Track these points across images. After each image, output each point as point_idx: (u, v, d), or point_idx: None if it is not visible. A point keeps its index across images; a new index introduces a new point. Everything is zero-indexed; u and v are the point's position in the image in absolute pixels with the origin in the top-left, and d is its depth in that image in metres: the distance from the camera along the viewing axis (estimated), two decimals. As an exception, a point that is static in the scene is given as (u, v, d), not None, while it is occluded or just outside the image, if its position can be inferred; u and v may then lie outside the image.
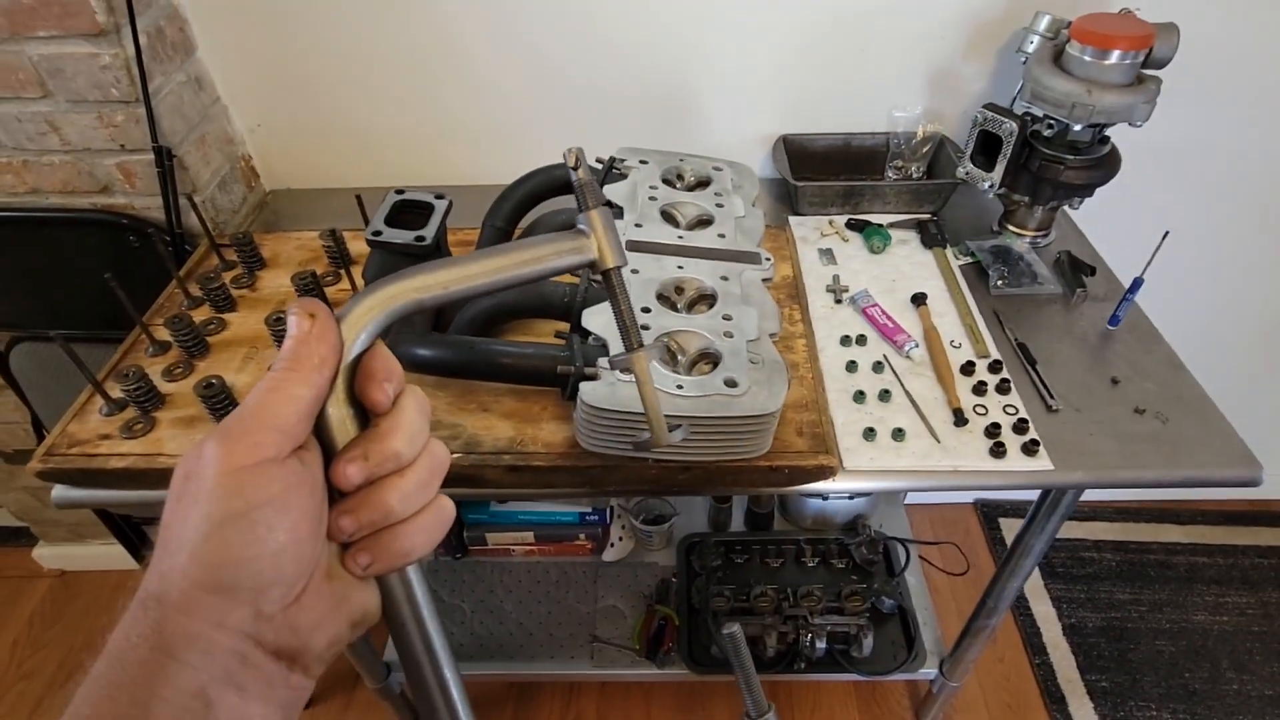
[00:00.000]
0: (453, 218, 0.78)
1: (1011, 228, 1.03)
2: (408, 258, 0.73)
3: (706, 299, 0.73)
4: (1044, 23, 0.94)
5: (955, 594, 1.63)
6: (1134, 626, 1.54)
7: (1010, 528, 1.73)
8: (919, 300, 0.93)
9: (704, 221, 0.83)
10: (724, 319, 0.69)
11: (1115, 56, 0.85)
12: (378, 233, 0.72)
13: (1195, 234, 1.26)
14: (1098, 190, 0.96)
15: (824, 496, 1.44)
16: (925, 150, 1.10)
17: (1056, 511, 0.93)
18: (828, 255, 1.02)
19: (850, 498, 1.44)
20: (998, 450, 0.75)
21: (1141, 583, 1.61)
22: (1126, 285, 0.89)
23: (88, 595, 1.72)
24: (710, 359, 0.67)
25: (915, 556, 1.49)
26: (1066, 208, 1.02)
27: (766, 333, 0.69)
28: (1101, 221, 1.07)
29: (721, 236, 0.80)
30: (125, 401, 0.78)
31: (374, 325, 0.29)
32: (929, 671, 1.28)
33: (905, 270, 0.99)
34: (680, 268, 0.75)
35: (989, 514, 1.76)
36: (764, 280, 0.76)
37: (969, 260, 1.00)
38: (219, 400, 0.75)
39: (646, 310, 0.69)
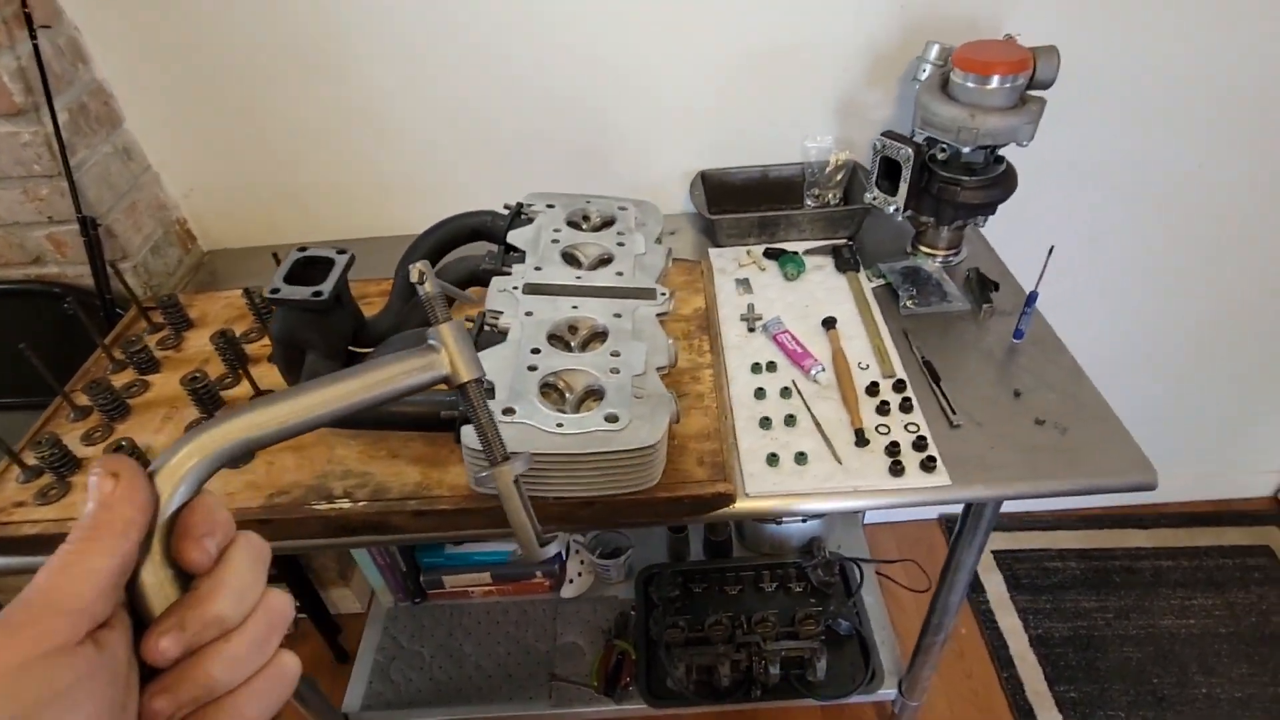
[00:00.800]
0: (380, 268, 0.80)
1: (923, 248, 1.06)
2: (308, 313, 0.75)
3: (599, 337, 0.75)
4: (934, 51, 0.98)
5: (920, 612, 1.62)
6: (1101, 634, 1.53)
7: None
8: (829, 324, 0.95)
9: (605, 261, 0.85)
10: (611, 355, 0.71)
11: (996, 81, 0.88)
12: (275, 290, 0.73)
13: (1106, 243, 1.29)
14: (1004, 207, 0.98)
15: (777, 520, 1.44)
16: (839, 178, 1.13)
17: (980, 525, 0.94)
18: (744, 285, 1.04)
19: (804, 520, 1.45)
20: (896, 469, 0.76)
21: (1107, 590, 1.61)
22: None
23: None
24: (596, 395, 0.68)
25: (873, 576, 1.49)
26: (974, 226, 1.04)
27: (654, 367, 0.70)
28: (1011, 237, 1.10)
29: (619, 274, 0.82)
30: (41, 468, 0.79)
31: (195, 475, 0.27)
32: (889, 692, 1.28)
33: (819, 295, 1.01)
34: (575, 307, 0.77)
35: (953, 529, 1.76)
36: (660, 315, 0.78)
37: (882, 283, 1.02)
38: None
39: (536, 351, 0.71)
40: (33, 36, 0.90)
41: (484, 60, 1.06)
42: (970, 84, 0.90)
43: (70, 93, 0.98)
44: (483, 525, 0.75)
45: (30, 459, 0.80)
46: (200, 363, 0.93)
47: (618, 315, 0.76)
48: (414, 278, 0.36)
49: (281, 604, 0.27)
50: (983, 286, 0.97)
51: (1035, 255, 1.08)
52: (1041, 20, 1.02)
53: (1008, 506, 1.66)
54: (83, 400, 0.87)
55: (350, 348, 0.82)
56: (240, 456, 0.29)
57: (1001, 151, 0.98)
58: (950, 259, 1.05)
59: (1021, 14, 1.02)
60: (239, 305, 1.02)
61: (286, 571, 1.48)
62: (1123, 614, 1.56)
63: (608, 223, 0.92)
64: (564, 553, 1.48)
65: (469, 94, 1.10)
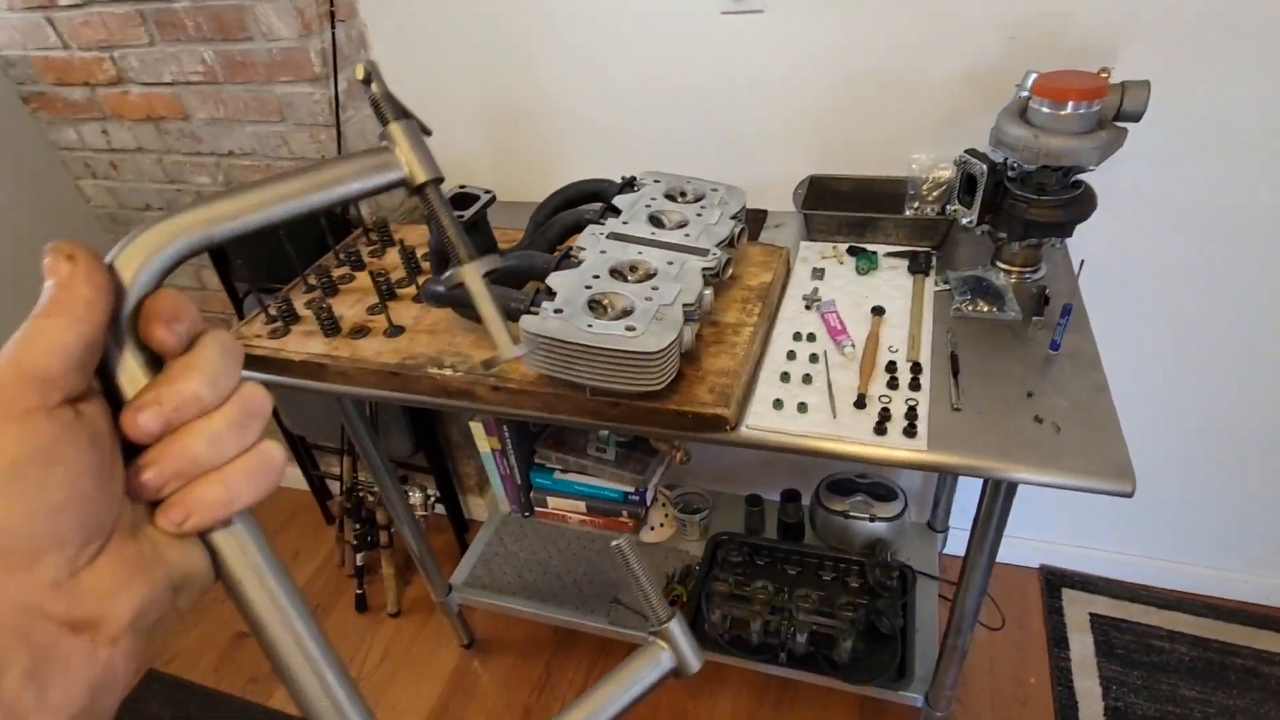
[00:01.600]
0: (521, 222, 1.08)
1: (1000, 264, 1.11)
2: (452, 230, 1.02)
3: (651, 277, 0.94)
4: (1030, 80, 1.04)
5: (993, 650, 1.59)
6: (1194, 727, 1.40)
7: (1074, 600, 1.64)
8: (878, 311, 1.05)
9: (681, 225, 1.04)
10: (651, 288, 0.90)
11: (1070, 107, 0.94)
12: (435, 211, 1.02)
13: (1190, 278, 1.23)
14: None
15: (844, 514, 1.52)
16: (937, 194, 1.21)
17: (991, 521, 0.98)
18: (819, 273, 1.17)
19: (870, 520, 1.50)
20: (880, 429, 0.86)
21: (1217, 684, 1.45)
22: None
23: (269, 509, 2.23)
24: (629, 314, 0.88)
25: (936, 596, 1.50)
26: (1052, 246, 1.07)
27: (681, 302, 0.88)
28: (1108, 266, 1.11)
29: (687, 235, 1.01)
30: (276, 318, 1.16)
31: (157, 264, 0.26)
32: (914, 696, 1.30)
33: (881, 290, 1.11)
34: (640, 253, 0.97)
35: (1053, 581, 1.68)
36: (706, 270, 0.95)
37: (945, 287, 1.10)
38: (325, 319, 1.10)
39: (597, 277, 0.92)
40: (333, 27, 1.30)
41: (635, 62, 1.30)
42: (1045, 109, 0.96)
43: (349, 69, 1.37)
44: (536, 408, 0.98)
45: (272, 311, 1.17)
46: (391, 268, 1.27)
47: (670, 263, 0.95)
48: (359, 75, 0.35)
49: (258, 393, 0.27)
50: (1040, 301, 1.02)
51: (1132, 290, 1.09)
52: (1155, 56, 1.04)
53: (1118, 573, 1.58)
54: (311, 280, 1.25)
55: (482, 265, 1.09)
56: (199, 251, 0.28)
57: (1086, 178, 1.01)
58: (1025, 276, 1.09)
59: (1133, 52, 1.04)
60: (425, 236, 1.35)
61: (439, 477, 1.84)
62: (1228, 713, 1.40)
63: (698, 199, 1.11)
64: (648, 497, 1.67)
65: (620, 88, 1.34)
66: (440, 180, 0.35)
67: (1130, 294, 1.29)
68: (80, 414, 0.23)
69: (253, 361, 1.12)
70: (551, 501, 1.74)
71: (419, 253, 1.27)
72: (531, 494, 1.75)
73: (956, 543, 1.76)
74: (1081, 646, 1.54)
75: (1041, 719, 1.46)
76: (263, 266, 1.64)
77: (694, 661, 0.42)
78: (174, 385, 0.25)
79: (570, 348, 0.84)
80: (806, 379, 0.96)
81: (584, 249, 0.98)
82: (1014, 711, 1.47)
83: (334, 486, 2.14)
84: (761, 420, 0.91)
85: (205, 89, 1.40)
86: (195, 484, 0.25)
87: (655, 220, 1.06)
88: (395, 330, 1.10)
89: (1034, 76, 1.04)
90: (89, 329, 0.23)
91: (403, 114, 0.34)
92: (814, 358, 0.99)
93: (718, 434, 0.90)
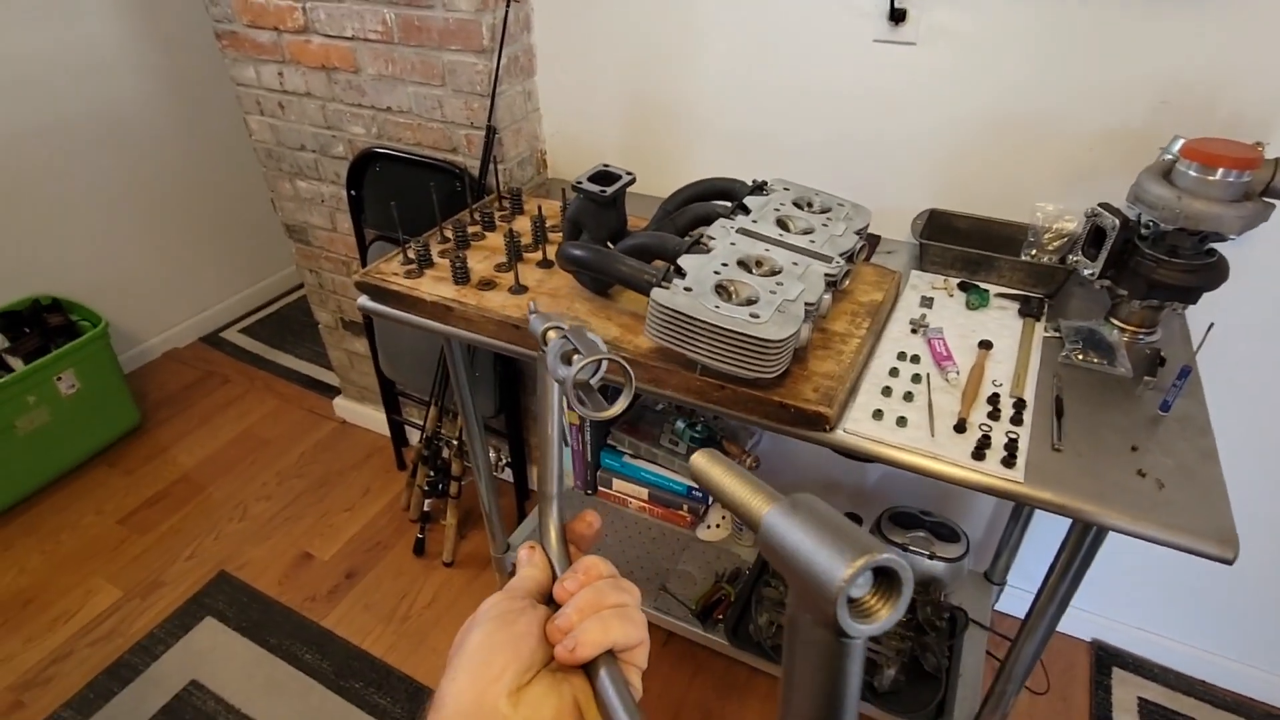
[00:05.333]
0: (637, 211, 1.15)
1: (1115, 320, 1.12)
2: (592, 203, 1.10)
3: (775, 274, 0.99)
4: (1178, 145, 1.05)
5: (1033, 713, 1.56)
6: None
7: (1124, 680, 1.60)
8: (985, 345, 1.07)
9: (807, 232, 1.09)
10: (776, 283, 0.95)
11: (1219, 174, 0.95)
12: (579, 182, 1.10)
13: None
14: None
15: (904, 547, 1.52)
16: (1057, 245, 1.22)
17: (1071, 570, 0.98)
18: (927, 302, 1.19)
19: (930, 557, 1.50)
20: (978, 454, 0.89)
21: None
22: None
23: (351, 441, 2.38)
24: (753, 303, 0.93)
25: (983, 648, 1.49)
26: (1173, 311, 1.07)
27: (803, 300, 0.93)
28: (1225, 338, 1.10)
29: (812, 242, 1.05)
30: (413, 260, 1.25)
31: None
32: (951, 738, 1.30)
33: (990, 327, 1.13)
34: (767, 250, 1.02)
35: (1104, 658, 1.64)
36: (827, 275, 0.99)
37: (1055, 334, 1.11)
38: (459, 268, 1.19)
39: (725, 265, 0.97)
40: (507, 6, 1.40)
41: (780, 76, 1.36)
42: (1192, 172, 0.97)
43: (513, 47, 1.47)
44: (643, 381, 1.03)
45: (410, 253, 1.27)
46: (521, 232, 1.35)
47: (795, 264, 1.00)
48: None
49: (626, 587, 0.41)
50: (1153, 362, 1.02)
51: (1246, 367, 1.07)
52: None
53: (1175, 663, 1.53)
54: (447, 233, 1.34)
55: (609, 242, 1.16)
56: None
57: (1221, 248, 1.01)
58: (1140, 336, 1.09)
59: (1292, 129, 1.04)
60: (554, 209, 1.44)
61: (513, 443, 1.92)
62: (1280, 829, 1.34)
63: (824, 210, 1.15)
64: (712, 497, 1.71)
65: (760, 98, 1.40)
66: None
67: (1244, 371, 1.26)
68: (535, 606, 0.40)
69: (386, 296, 1.21)
70: (616, 484, 1.80)
71: (548, 222, 1.35)
72: (599, 473, 1.81)
73: (1010, 601, 1.74)
74: (1128, 730, 1.50)
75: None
76: (391, 217, 1.76)
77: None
78: (580, 567, 0.41)
79: (695, 324, 0.89)
80: (908, 396, 0.98)
81: (714, 238, 1.04)
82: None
83: (413, 436, 2.25)
84: (860, 426, 0.94)
85: (379, 47, 1.53)
86: (582, 626, 0.38)
87: (782, 224, 1.11)
88: (519, 289, 1.18)
89: (1181, 141, 1.05)
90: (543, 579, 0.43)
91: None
92: (916, 378, 1.02)
93: (816, 432, 0.94)
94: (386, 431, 2.26)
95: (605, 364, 0.45)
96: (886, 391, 0.99)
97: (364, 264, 1.87)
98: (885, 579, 0.28)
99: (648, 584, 1.63)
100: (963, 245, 1.32)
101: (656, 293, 0.92)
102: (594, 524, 0.47)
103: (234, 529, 2.08)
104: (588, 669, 0.37)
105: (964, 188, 1.33)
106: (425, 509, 1.98)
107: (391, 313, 1.23)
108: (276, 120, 1.80)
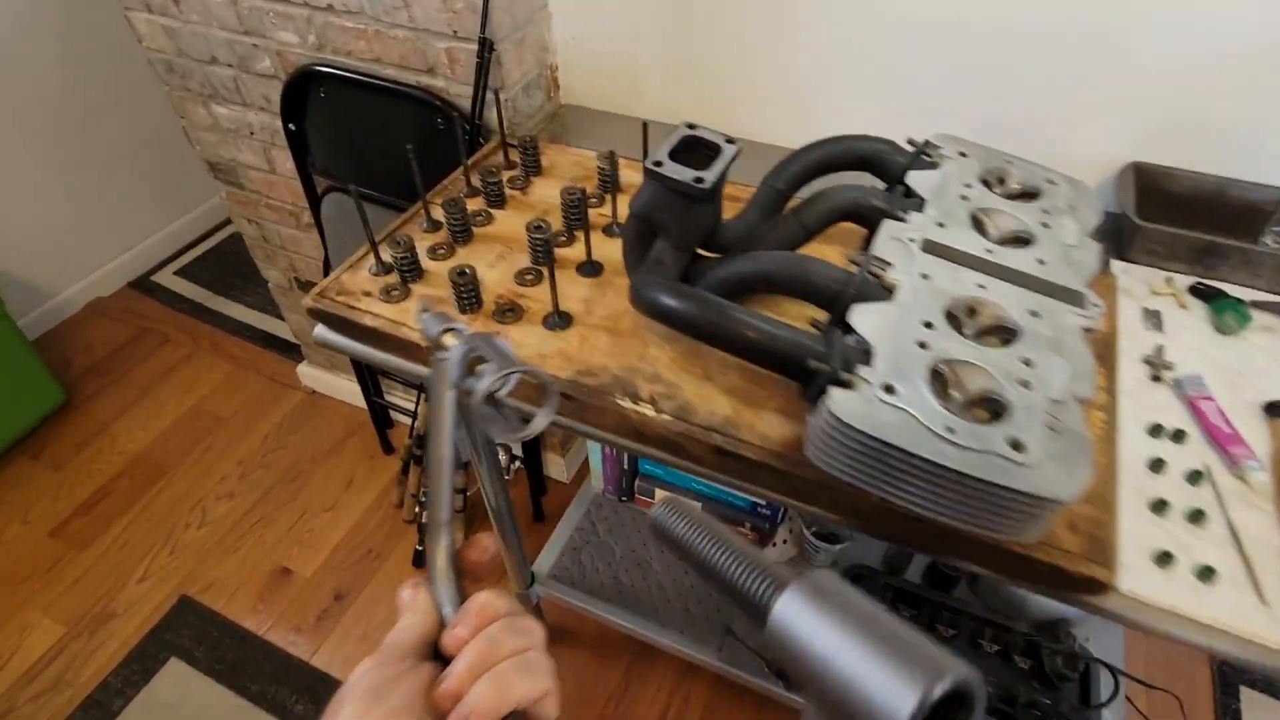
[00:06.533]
0: (740, 173, 0.72)
1: None
2: (681, 197, 0.68)
3: (1003, 332, 0.60)
4: None
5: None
6: None
7: (1254, 703, 1.38)
8: (1276, 411, 0.71)
9: (1021, 240, 0.69)
10: (1023, 363, 0.57)
11: None
12: (658, 163, 0.67)
13: None
14: None
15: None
16: (1341, 223, 0.83)
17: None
18: (1153, 319, 0.82)
19: (1068, 601, 1.22)
20: (1351, 644, 0.55)
21: None
22: None
23: (323, 417, 1.99)
24: (992, 407, 0.55)
25: (1123, 695, 1.24)
26: None
27: (1076, 396, 0.55)
28: None
29: (1041, 263, 0.66)
30: (391, 266, 0.83)
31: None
32: (1103, 834, 1.07)
33: (1260, 366, 0.77)
34: (981, 286, 0.62)
35: (1227, 676, 1.41)
36: (1085, 331, 0.61)
37: (1368, 380, 0.75)
38: (467, 290, 0.78)
39: (929, 326, 0.58)
40: None
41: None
42: None
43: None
44: (778, 489, 0.67)
45: (385, 254, 0.85)
46: (542, 212, 0.93)
47: (1035, 314, 0.61)
48: None
49: (526, 628, 0.35)
50: None
51: None
52: None
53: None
54: (437, 214, 0.91)
55: (698, 249, 0.75)
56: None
57: None
58: None
59: None
60: (587, 166, 1.00)
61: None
62: None
63: (1028, 194, 0.74)
64: (779, 514, 1.39)
65: (886, 8, 0.95)
66: None
67: None
68: (417, 667, 0.34)
69: (357, 332, 0.81)
70: (660, 493, 1.46)
71: (589, 195, 0.92)
72: (637, 481, 1.47)
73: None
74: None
75: None
76: (351, 163, 1.29)
77: None
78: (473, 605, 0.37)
79: (912, 463, 0.51)
80: (1196, 517, 0.63)
81: (889, 264, 0.63)
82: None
83: (399, 415, 1.88)
84: (1142, 583, 0.59)
85: (305, -89, 1.01)
86: (475, 691, 0.32)
87: (978, 223, 0.70)
88: (559, 320, 0.78)
89: None
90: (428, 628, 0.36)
91: None
92: (1194, 477, 0.66)
93: (1083, 596, 0.59)
94: (364, 406, 1.88)
95: (517, 378, 0.42)
96: (1159, 507, 0.64)
97: (317, 222, 1.41)
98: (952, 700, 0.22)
99: (706, 624, 1.34)
100: (1176, 214, 0.92)
101: (839, 401, 0.53)
102: (489, 548, 0.39)
103: (193, 538, 1.73)
104: None
105: (1176, 132, 0.92)
106: (424, 520, 1.64)
107: (369, 354, 0.83)
108: (171, 21, 1.27)
